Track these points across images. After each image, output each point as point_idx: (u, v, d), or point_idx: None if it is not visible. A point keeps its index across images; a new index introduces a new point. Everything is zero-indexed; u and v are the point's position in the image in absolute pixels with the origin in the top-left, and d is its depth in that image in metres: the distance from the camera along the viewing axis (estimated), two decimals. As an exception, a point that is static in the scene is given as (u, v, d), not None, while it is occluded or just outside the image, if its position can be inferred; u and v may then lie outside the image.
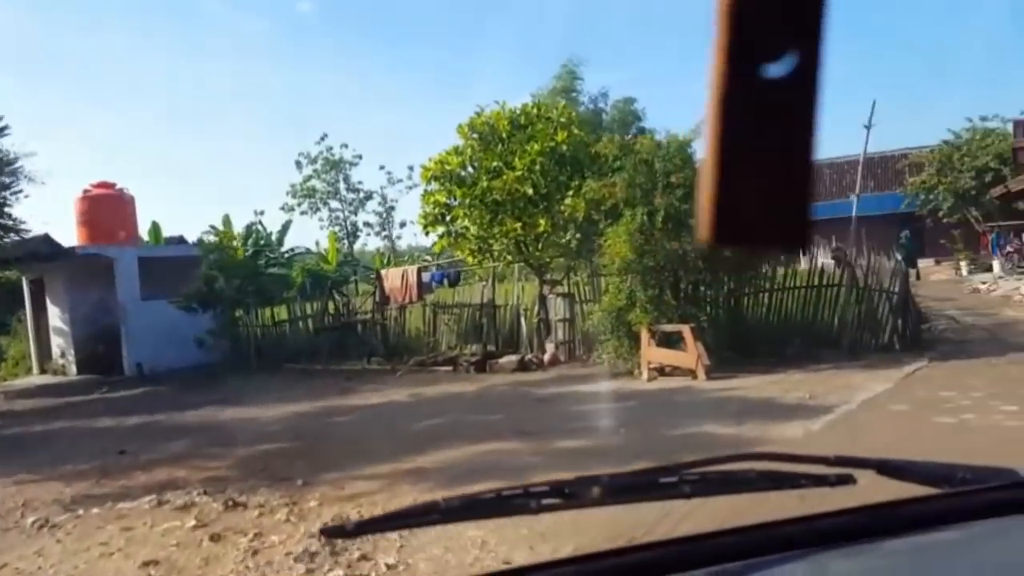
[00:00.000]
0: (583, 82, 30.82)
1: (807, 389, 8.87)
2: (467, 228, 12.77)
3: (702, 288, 11.55)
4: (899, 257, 12.62)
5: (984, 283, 20.62)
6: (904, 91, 60.55)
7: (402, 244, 48.61)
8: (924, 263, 26.45)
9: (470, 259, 13.57)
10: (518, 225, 12.11)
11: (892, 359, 10.63)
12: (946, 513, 1.10)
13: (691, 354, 10.28)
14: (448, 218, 12.71)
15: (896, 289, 11.93)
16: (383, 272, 15.61)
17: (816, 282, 12.57)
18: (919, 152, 29.24)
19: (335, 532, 1.08)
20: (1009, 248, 23.32)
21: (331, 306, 16.56)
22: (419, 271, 15.03)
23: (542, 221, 11.93)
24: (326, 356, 15.36)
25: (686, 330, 10.39)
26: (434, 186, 12.69)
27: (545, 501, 1.09)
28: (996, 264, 23.18)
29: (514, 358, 13.05)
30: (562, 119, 12.39)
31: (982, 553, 1.07)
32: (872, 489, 1.16)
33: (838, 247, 14.05)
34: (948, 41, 55.49)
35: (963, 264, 25.13)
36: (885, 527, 1.06)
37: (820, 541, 1.04)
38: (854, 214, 15.97)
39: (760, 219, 0.46)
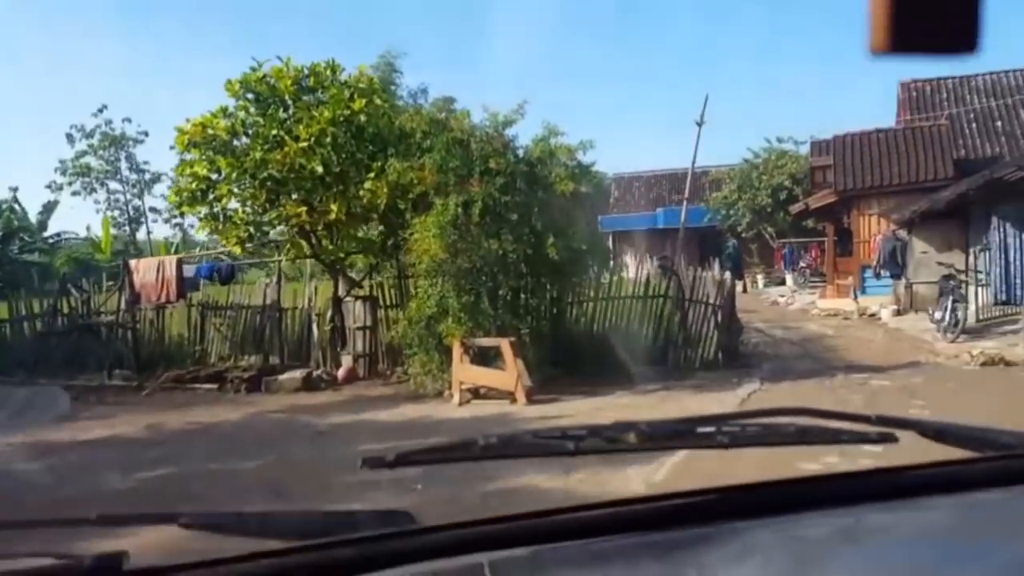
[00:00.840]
0: (402, 75, 28.72)
1: (639, 419, 7.58)
2: (235, 211, 10.18)
3: (523, 296, 10.03)
4: (724, 267, 11.96)
5: (782, 296, 21.41)
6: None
7: (200, 235, 43.60)
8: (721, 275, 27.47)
9: (238, 249, 10.95)
10: (303, 210, 9.76)
11: (721, 378, 9.80)
12: (987, 476, 1.09)
13: (510, 373, 8.69)
14: (211, 197, 10.03)
15: (721, 302, 11.27)
16: (132, 263, 12.44)
17: (642, 292, 11.65)
18: (719, 169, 30.48)
19: (375, 463, 1.03)
20: (801, 263, 24.71)
21: (65, 304, 13.08)
22: (179, 263, 12.11)
23: (335, 207, 9.67)
24: (55, 367, 12.10)
25: (505, 345, 8.81)
26: (193, 155, 9.96)
27: (583, 444, 1.10)
28: (789, 278, 24.44)
29: (299, 374, 10.72)
30: (360, 84, 10.18)
31: (1021, 517, 1.06)
32: (913, 450, 1.15)
33: (664, 256, 13.29)
34: (753, 63, 60.41)
35: (759, 277, 26.35)
36: (926, 487, 1.07)
37: (861, 497, 1.04)
38: (681, 223, 15.47)
39: (933, 21, 0.45)
